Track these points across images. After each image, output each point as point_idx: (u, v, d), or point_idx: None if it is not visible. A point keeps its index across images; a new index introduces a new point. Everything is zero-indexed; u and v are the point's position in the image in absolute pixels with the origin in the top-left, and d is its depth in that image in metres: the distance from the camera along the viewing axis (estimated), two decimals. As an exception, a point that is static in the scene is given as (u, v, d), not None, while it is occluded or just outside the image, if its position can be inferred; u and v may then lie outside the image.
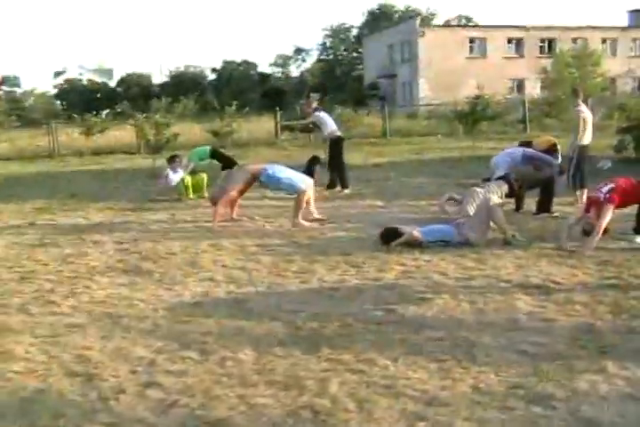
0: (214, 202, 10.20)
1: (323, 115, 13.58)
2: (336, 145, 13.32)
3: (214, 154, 13.69)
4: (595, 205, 7.83)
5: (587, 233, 7.76)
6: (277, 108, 27.75)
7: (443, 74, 49.14)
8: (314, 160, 11.90)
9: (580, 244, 7.73)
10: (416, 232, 8.06)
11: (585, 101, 11.92)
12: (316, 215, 9.96)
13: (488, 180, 9.94)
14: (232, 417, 3.92)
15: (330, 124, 13.41)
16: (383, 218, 9.72)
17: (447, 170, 15.22)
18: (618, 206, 7.86)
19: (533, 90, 44.97)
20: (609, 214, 7.64)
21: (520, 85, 51.62)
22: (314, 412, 3.95)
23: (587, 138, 10.54)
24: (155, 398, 4.18)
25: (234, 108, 25.50)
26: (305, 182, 9.74)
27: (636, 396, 4.05)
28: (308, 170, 11.89)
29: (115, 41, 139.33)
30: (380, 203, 11.60)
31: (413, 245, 7.96)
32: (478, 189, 8.77)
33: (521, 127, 28.07)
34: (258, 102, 54.52)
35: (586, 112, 10.56)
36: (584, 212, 8.05)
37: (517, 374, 4.38)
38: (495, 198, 8.60)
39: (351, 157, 19.01)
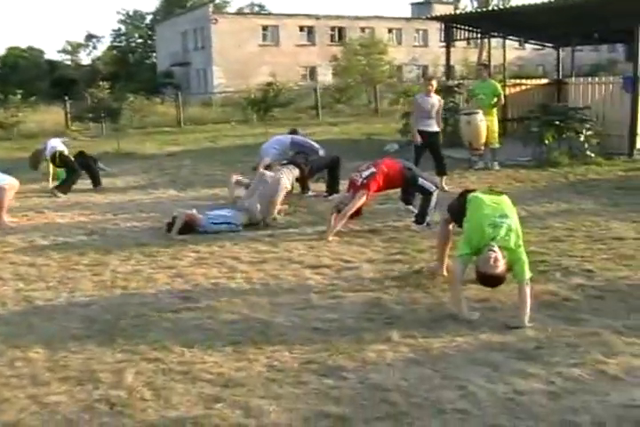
0: None
1: None
2: None
3: None
4: (353, 187, 7.88)
5: (339, 212, 7.83)
6: (66, 98, 26.61)
7: (237, 61, 49.26)
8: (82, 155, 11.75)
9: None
10: (188, 211, 8.18)
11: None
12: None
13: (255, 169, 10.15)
14: (23, 420, 3.79)
15: None
16: (177, 207, 9.65)
17: (241, 157, 15.31)
18: (379, 190, 7.96)
19: (325, 77, 46.21)
20: (361, 200, 7.77)
21: (312, 72, 52.74)
22: (110, 404, 3.92)
23: (431, 125, 10.69)
24: None
25: (19, 97, 24.18)
26: (6, 180, 9.06)
27: (419, 360, 4.37)
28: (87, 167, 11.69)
29: None
30: (173, 192, 11.49)
31: (205, 232, 8.05)
32: (267, 173, 9.02)
33: (313, 113, 28.78)
34: (47, 91, 51.86)
35: (424, 101, 10.61)
36: (346, 192, 8.15)
37: (310, 350, 4.57)
38: (285, 181, 8.86)
39: (144, 146, 18.78)
